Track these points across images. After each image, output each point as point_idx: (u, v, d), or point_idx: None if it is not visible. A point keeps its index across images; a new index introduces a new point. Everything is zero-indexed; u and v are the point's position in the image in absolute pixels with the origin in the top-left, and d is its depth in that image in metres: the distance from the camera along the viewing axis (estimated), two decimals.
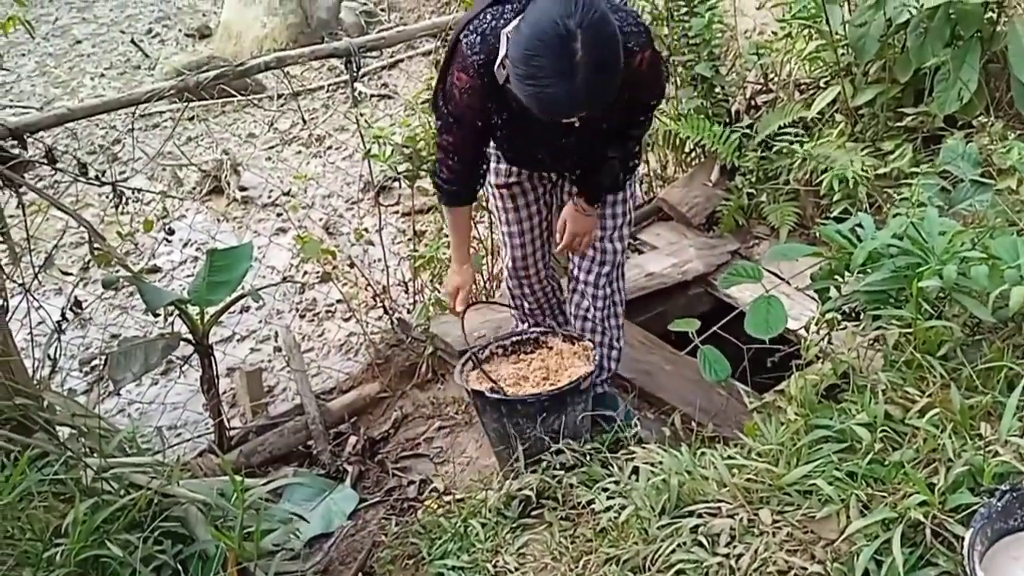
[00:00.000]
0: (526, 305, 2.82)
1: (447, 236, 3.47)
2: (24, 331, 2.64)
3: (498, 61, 2.01)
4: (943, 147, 2.66)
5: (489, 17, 2.04)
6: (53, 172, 2.95)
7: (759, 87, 3.91)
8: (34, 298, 2.65)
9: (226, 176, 5.58)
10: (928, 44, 2.93)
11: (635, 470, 2.05)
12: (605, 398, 2.67)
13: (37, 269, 2.75)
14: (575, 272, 2.62)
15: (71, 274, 4.41)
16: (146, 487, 2.05)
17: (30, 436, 2.15)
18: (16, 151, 2.66)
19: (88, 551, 1.92)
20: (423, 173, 3.28)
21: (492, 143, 2.40)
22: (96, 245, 2.71)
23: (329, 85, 6.95)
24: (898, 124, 3.16)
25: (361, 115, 3.32)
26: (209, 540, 2.06)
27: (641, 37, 2.10)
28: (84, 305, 2.91)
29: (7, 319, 2.43)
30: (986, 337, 1.90)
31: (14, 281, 2.65)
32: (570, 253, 2.58)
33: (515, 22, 1.94)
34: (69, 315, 2.72)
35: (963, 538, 1.45)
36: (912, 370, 1.83)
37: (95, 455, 2.12)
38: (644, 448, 2.11)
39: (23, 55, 8.24)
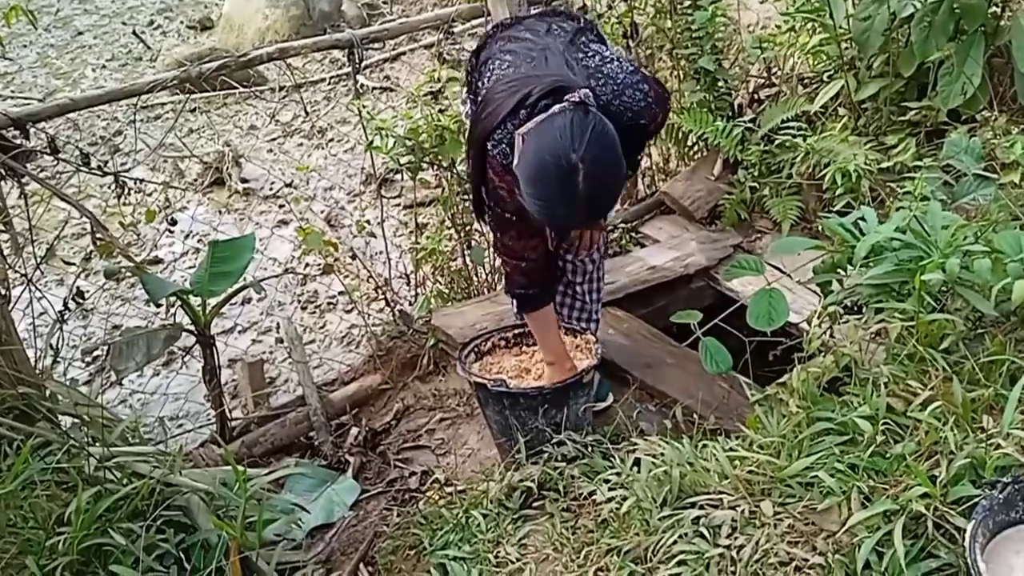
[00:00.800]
0: None
1: (450, 228, 3.50)
2: (26, 321, 2.64)
3: (514, 161, 2.04)
4: (946, 141, 2.66)
5: (511, 127, 2.07)
6: (55, 163, 2.95)
7: (762, 81, 3.91)
8: (36, 288, 2.66)
9: (228, 168, 5.58)
10: (932, 38, 2.92)
11: (636, 462, 2.05)
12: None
13: (39, 259, 2.76)
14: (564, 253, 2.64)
15: (73, 264, 4.41)
16: (148, 476, 2.05)
17: (33, 425, 2.16)
18: (18, 141, 2.67)
19: (91, 539, 1.93)
20: (425, 165, 3.28)
21: None
22: (99, 235, 2.71)
23: (331, 77, 6.95)
24: (901, 118, 3.15)
25: (364, 106, 3.31)
26: (211, 529, 2.06)
27: (652, 109, 2.19)
28: (86, 295, 2.91)
29: (9, 309, 2.43)
30: (988, 331, 1.90)
31: (16, 271, 2.65)
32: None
33: (528, 125, 1.99)
34: (71, 305, 2.72)
35: (965, 530, 1.45)
36: (914, 363, 1.83)
37: (97, 444, 2.12)
38: (646, 440, 2.12)
39: (25, 46, 8.23)
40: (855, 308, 2.14)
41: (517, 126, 2.04)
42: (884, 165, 2.92)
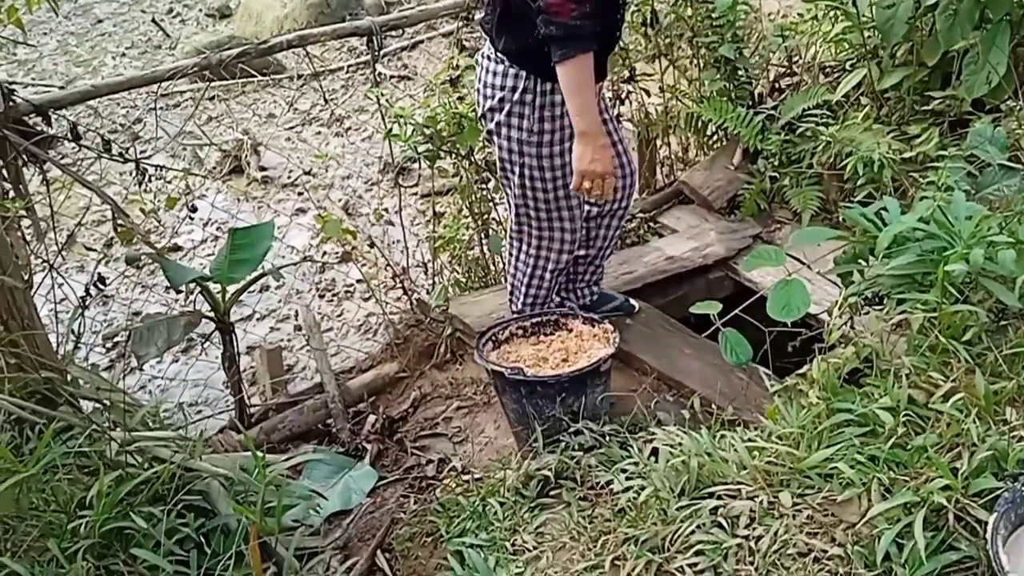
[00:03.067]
0: (557, 287, 2.85)
1: (467, 217, 3.49)
2: (48, 306, 2.67)
3: None
4: (970, 131, 2.63)
5: None
6: (76, 150, 2.97)
7: (783, 69, 3.87)
8: (58, 274, 2.68)
9: (246, 156, 5.60)
10: (957, 27, 2.88)
11: (654, 451, 2.05)
12: (605, 295, 3.02)
13: (61, 246, 2.78)
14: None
15: (94, 250, 4.45)
16: (169, 461, 2.07)
17: (55, 409, 2.18)
18: (40, 128, 2.69)
19: (112, 523, 1.95)
20: (443, 154, 3.28)
21: None
22: (120, 222, 2.73)
23: (349, 66, 6.95)
24: (925, 108, 3.12)
25: (382, 95, 3.31)
26: (231, 514, 2.07)
27: None
28: (107, 282, 2.93)
29: (32, 294, 2.46)
30: (1012, 322, 1.88)
31: (39, 257, 2.68)
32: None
33: None
34: (92, 291, 2.75)
35: (986, 523, 1.44)
36: (936, 355, 1.82)
37: (119, 429, 2.14)
38: (663, 430, 2.11)
39: (45, 33, 8.29)
40: (876, 299, 2.13)
41: None
42: (907, 155, 2.89)
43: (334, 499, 2.66)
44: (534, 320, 2.68)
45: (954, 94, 3.02)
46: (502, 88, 2.39)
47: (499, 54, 2.38)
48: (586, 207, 2.68)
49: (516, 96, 2.37)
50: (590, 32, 2.13)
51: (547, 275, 2.74)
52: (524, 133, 2.41)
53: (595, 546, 1.89)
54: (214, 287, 2.90)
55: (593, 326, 2.63)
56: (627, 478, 2.01)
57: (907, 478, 1.59)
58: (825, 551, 1.59)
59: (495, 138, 2.49)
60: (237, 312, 3.81)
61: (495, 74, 2.40)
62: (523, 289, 2.78)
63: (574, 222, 2.61)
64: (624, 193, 2.71)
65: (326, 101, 5.84)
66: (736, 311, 2.49)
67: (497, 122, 2.44)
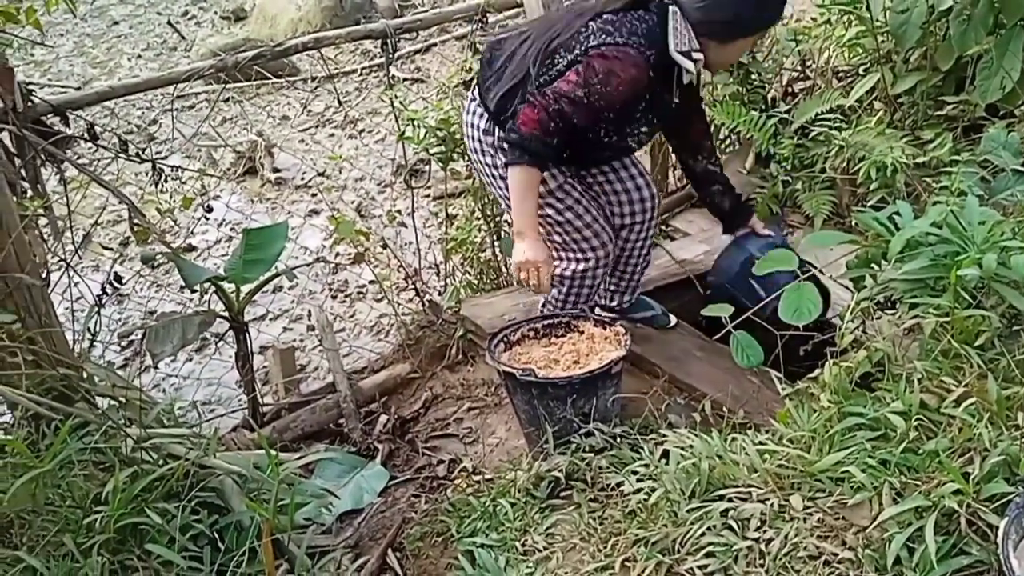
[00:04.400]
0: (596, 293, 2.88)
1: (479, 219, 3.51)
2: (64, 305, 2.70)
3: (683, 47, 2.31)
4: (984, 136, 2.62)
5: (637, 23, 2.33)
6: (93, 150, 3.00)
7: (796, 74, 3.87)
8: (75, 272, 2.71)
9: (260, 157, 5.64)
10: (971, 32, 2.88)
11: (665, 454, 2.05)
12: (644, 301, 3.06)
13: (77, 245, 2.81)
14: (628, 216, 2.78)
15: (110, 250, 4.48)
16: (184, 458, 2.09)
17: (71, 406, 2.20)
18: (58, 128, 2.72)
19: (127, 519, 1.96)
20: (456, 156, 3.29)
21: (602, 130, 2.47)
22: (136, 221, 2.75)
23: (362, 68, 6.99)
24: (938, 113, 3.11)
25: (396, 97, 3.33)
26: (244, 511, 2.09)
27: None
28: (123, 280, 2.96)
29: (49, 292, 2.48)
30: None
31: (56, 255, 2.71)
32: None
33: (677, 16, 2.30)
34: (108, 290, 2.77)
35: (997, 527, 1.44)
36: (948, 359, 1.82)
37: (134, 426, 2.16)
38: (674, 432, 2.12)
39: (62, 35, 8.36)
40: (889, 303, 2.12)
41: (641, 23, 2.31)
42: (920, 160, 2.88)
43: (346, 498, 2.67)
44: (546, 322, 2.69)
45: (968, 99, 3.01)
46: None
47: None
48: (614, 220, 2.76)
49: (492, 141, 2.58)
50: (541, 150, 2.33)
51: (584, 290, 2.76)
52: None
53: (605, 547, 1.90)
54: (228, 287, 2.92)
55: (605, 328, 2.63)
56: (638, 480, 2.01)
57: (918, 482, 1.59)
58: (836, 554, 1.59)
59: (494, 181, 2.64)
60: (251, 312, 3.84)
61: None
62: (559, 306, 2.81)
63: (599, 238, 2.65)
64: (639, 207, 2.76)
65: (340, 103, 5.88)
66: (747, 314, 2.49)
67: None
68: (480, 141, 2.59)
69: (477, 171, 2.78)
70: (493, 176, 2.63)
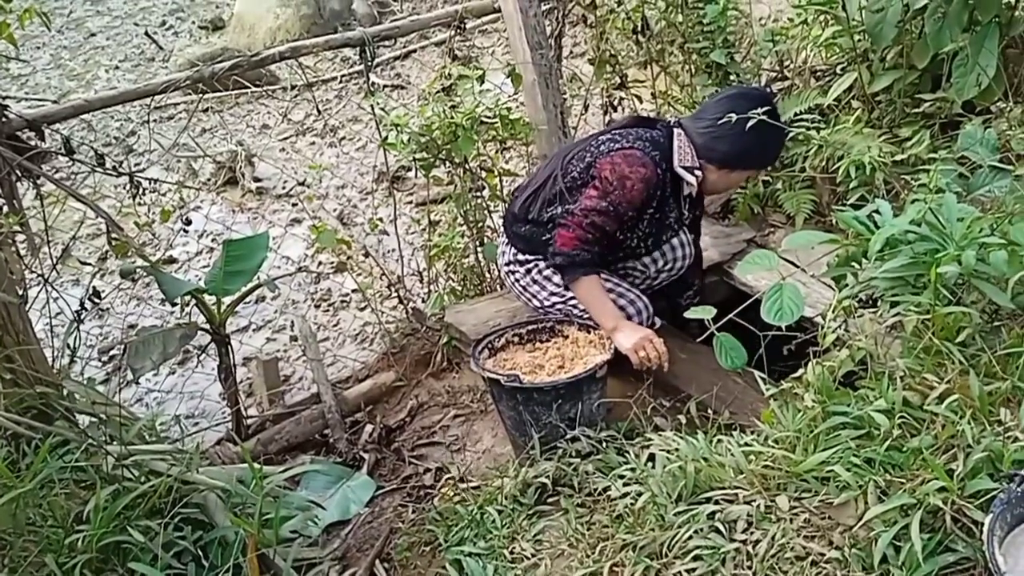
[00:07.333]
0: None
1: (462, 225, 3.50)
2: (43, 321, 2.67)
3: (687, 163, 2.63)
4: (961, 133, 2.63)
5: (643, 133, 2.67)
6: (70, 163, 2.97)
7: (774, 74, 3.88)
8: (53, 288, 2.68)
9: (241, 167, 5.61)
10: (946, 29, 2.90)
11: (651, 457, 2.05)
12: None
13: (55, 259, 2.78)
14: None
15: (89, 264, 4.44)
16: (166, 474, 2.07)
17: (51, 424, 2.18)
18: (34, 142, 2.69)
19: (109, 537, 1.94)
20: (438, 162, 3.28)
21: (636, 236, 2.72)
22: (114, 235, 2.73)
23: (342, 76, 6.97)
24: (915, 110, 3.13)
25: (377, 103, 3.32)
26: (228, 526, 2.07)
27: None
28: (102, 295, 2.93)
29: (27, 309, 2.45)
30: (1005, 323, 1.88)
31: (33, 271, 2.67)
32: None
33: (699, 124, 2.64)
34: (88, 305, 2.74)
35: (982, 524, 1.44)
36: (930, 356, 1.82)
37: (115, 442, 2.13)
38: (660, 435, 2.12)
39: (38, 48, 8.30)
40: (870, 302, 2.13)
41: (646, 135, 2.64)
42: (898, 157, 2.89)
43: (332, 509, 2.66)
44: (530, 327, 2.69)
45: (944, 96, 3.03)
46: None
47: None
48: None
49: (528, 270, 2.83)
50: (588, 259, 2.59)
51: None
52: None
53: (593, 552, 1.90)
54: (209, 299, 2.90)
55: (589, 332, 2.63)
56: (624, 484, 2.01)
57: (903, 480, 1.59)
58: (823, 554, 1.59)
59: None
60: (233, 324, 3.80)
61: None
62: None
63: (635, 306, 2.77)
64: (680, 264, 2.92)
65: (320, 111, 5.85)
66: (731, 315, 2.50)
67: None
68: (509, 274, 2.87)
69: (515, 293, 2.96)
70: (523, 291, 2.86)
